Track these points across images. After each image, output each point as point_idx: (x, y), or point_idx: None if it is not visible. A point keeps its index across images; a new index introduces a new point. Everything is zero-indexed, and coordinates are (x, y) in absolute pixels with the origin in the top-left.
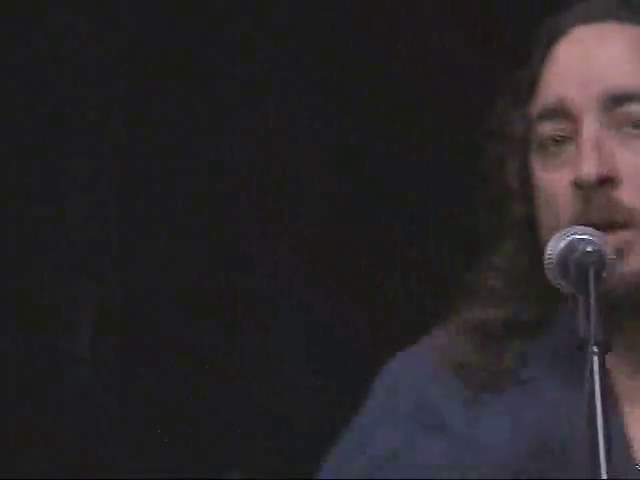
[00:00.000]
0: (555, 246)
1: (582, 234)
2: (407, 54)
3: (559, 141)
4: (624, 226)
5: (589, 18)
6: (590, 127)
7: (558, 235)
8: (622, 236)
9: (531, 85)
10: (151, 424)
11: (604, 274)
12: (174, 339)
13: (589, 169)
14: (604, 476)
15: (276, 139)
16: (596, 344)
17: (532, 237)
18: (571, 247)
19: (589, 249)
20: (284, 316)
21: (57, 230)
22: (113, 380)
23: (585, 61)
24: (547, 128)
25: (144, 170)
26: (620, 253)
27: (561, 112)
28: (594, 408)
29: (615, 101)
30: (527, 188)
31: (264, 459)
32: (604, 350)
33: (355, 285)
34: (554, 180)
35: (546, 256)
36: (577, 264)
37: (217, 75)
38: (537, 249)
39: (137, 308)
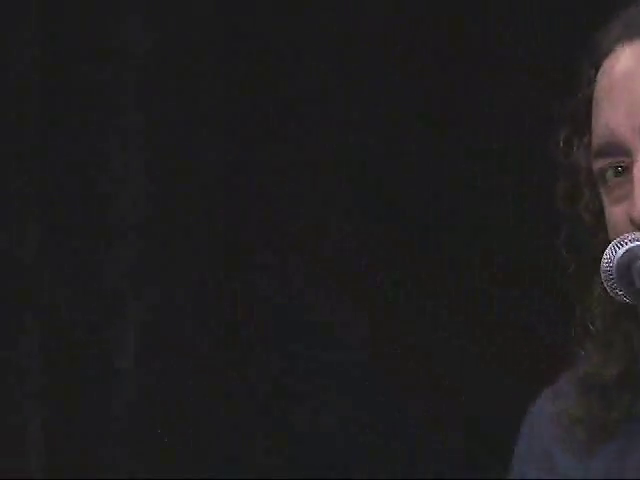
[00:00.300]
0: (612, 254)
1: None
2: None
3: (619, 172)
4: None
5: (634, 34)
6: None
7: (615, 242)
8: None
9: (585, 110)
10: (151, 424)
11: None
12: (174, 339)
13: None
14: None
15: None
16: None
17: None
18: (631, 255)
19: None
20: (285, 316)
21: (103, 242)
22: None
23: (629, 86)
24: (604, 163)
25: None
26: None
27: (613, 146)
28: None
29: None
30: (602, 221)
31: (264, 459)
32: None
33: (356, 285)
34: (617, 214)
35: (603, 265)
36: None
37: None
38: None
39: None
